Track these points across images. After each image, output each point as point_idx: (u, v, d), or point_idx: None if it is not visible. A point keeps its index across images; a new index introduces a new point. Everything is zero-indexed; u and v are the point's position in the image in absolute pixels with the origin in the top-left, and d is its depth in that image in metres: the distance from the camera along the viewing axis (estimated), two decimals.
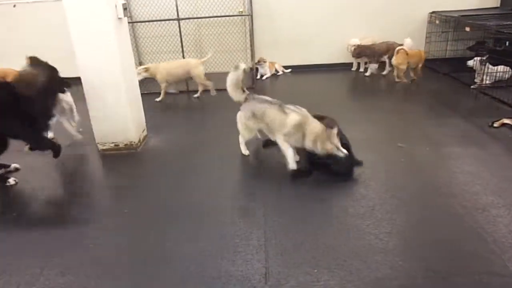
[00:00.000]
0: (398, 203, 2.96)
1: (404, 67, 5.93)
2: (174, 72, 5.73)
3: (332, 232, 2.67)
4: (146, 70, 5.72)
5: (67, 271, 2.41)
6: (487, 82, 5.42)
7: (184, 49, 6.22)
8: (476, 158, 3.59)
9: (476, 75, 5.55)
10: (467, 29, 5.72)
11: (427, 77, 6.46)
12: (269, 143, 3.75)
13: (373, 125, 4.47)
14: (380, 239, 2.54)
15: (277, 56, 7.08)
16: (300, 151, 3.47)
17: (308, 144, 3.27)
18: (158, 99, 5.81)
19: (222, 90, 6.11)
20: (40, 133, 3.52)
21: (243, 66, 3.61)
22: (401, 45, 6.23)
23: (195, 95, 6.01)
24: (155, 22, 6.54)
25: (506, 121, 4.21)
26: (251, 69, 6.79)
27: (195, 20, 6.75)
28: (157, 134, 4.50)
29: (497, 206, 2.84)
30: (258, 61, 6.78)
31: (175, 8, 5.95)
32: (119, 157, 4.00)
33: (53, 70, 3.54)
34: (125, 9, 3.85)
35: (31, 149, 3.68)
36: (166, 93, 5.88)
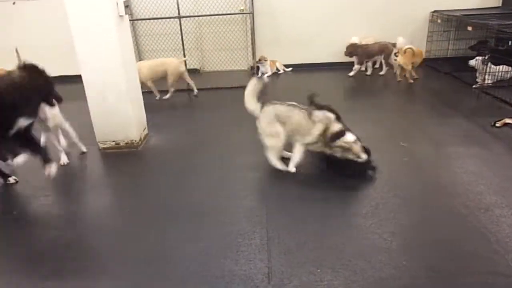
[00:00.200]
0: (401, 202, 2.95)
1: (410, 67, 5.91)
2: (155, 70, 5.59)
3: (335, 231, 2.65)
4: None
5: (65, 271, 2.39)
6: (489, 81, 5.40)
7: (185, 47, 6.18)
8: (479, 157, 3.58)
9: (477, 75, 5.53)
10: (469, 28, 5.70)
11: (428, 76, 6.46)
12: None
13: (375, 124, 4.46)
14: (383, 238, 2.52)
15: (278, 55, 7.06)
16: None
17: (330, 150, 3.26)
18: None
19: (222, 89, 6.20)
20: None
21: (266, 79, 3.53)
22: (394, 45, 6.22)
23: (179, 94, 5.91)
24: (155, 20, 6.51)
25: (508, 120, 4.20)
26: (252, 67, 6.77)
27: (196, 18, 6.73)
28: (158, 132, 4.49)
29: (500, 206, 2.83)
30: (259, 60, 6.76)
31: (176, 6, 5.92)
32: (120, 156, 3.98)
33: (42, 79, 3.06)
34: (126, 6, 3.83)
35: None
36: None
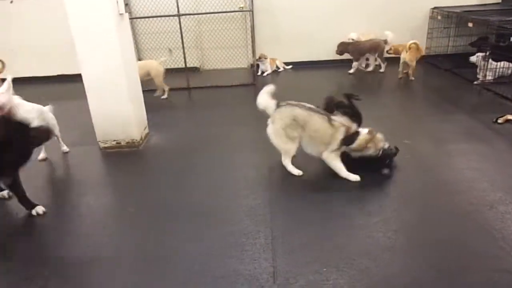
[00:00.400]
0: (405, 200, 2.94)
1: (415, 63, 5.89)
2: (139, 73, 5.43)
3: (340, 230, 2.64)
4: None
5: (68, 273, 2.38)
6: (490, 78, 5.39)
7: (185, 45, 6.15)
8: (482, 154, 3.57)
9: (478, 71, 5.52)
10: (470, 24, 5.69)
11: (429, 73, 6.45)
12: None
13: (376, 121, 4.39)
14: (388, 237, 2.51)
15: (278, 53, 7.04)
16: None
17: (357, 152, 3.22)
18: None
19: (223, 87, 6.18)
20: None
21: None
22: (386, 42, 6.20)
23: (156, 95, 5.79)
24: (155, 18, 6.48)
25: (510, 117, 4.19)
26: (252, 65, 6.75)
27: (196, 16, 6.70)
28: (159, 132, 4.46)
29: (504, 202, 2.82)
30: (259, 58, 6.74)
31: (175, 3, 5.88)
32: (121, 155, 3.96)
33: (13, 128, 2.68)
34: (126, 4, 3.81)
35: None
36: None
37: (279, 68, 7.04)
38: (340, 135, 3.12)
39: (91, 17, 3.58)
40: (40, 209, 2.94)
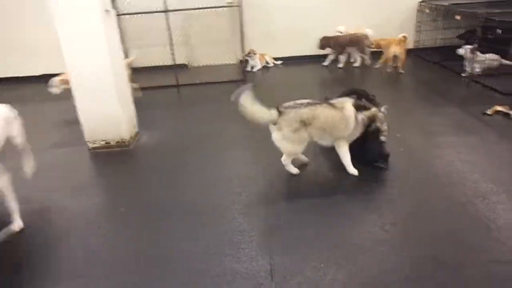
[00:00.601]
0: (400, 193, 2.94)
1: (404, 56, 5.92)
2: None
3: (336, 225, 2.63)
4: (64, 81, 4.87)
5: (64, 276, 2.33)
6: (477, 70, 5.44)
7: (173, 41, 6.06)
8: (473, 146, 3.60)
9: (466, 64, 5.56)
10: (457, 17, 5.72)
11: (417, 66, 6.49)
12: None
13: None
14: (384, 230, 2.51)
15: (267, 48, 7.00)
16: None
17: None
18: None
19: (212, 84, 6.12)
20: None
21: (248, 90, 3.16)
22: (367, 37, 6.22)
23: None
24: (141, 14, 6.36)
25: (499, 108, 4.23)
26: (241, 61, 6.70)
27: (183, 12, 6.59)
28: (149, 130, 4.39)
29: (497, 193, 2.85)
30: (248, 53, 6.69)
31: None
32: (111, 155, 3.89)
33: None
34: (112, 0, 3.72)
35: None
36: None
37: (268, 64, 7.00)
38: (349, 113, 3.06)
39: (77, 14, 3.49)
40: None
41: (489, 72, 5.33)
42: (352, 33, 6.43)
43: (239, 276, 2.20)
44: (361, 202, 2.86)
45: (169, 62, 6.27)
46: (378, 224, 2.58)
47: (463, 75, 5.56)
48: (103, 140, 3.98)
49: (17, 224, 2.75)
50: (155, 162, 3.74)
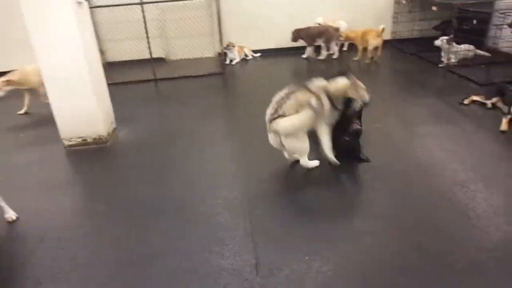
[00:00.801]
0: (382, 184, 2.96)
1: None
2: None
3: (320, 217, 2.63)
4: (9, 82, 4.59)
5: (45, 278, 2.24)
6: (453, 60, 5.53)
7: (149, 35, 5.91)
8: (451, 135, 3.66)
9: (442, 54, 5.65)
10: (434, 8, 5.79)
11: (395, 57, 6.55)
12: None
13: None
14: (369, 221, 2.52)
15: (246, 41, 6.93)
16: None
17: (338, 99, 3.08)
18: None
19: (190, 77, 6.02)
20: None
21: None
22: (337, 29, 6.24)
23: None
24: (116, 7, 6.18)
25: (475, 98, 4.31)
26: (220, 54, 6.61)
27: (159, 4, 6.45)
28: (127, 126, 4.28)
29: (475, 181, 2.90)
30: (227, 46, 6.61)
31: None
32: (88, 153, 3.77)
33: None
34: None
35: None
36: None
37: (247, 56, 6.94)
38: (326, 101, 3.00)
39: (47, 7, 3.34)
40: None
41: (464, 63, 5.43)
42: (321, 24, 6.44)
43: (224, 273, 2.16)
44: (344, 194, 2.86)
45: (145, 55, 6.12)
46: (362, 215, 2.59)
47: (440, 65, 5.65)
48: (79, 137, 3.85)
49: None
50: (134, 158, 3.65)
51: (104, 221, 2.76)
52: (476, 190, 2.79)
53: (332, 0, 6.85)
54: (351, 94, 3.11)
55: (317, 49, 6.60)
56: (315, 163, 3.18)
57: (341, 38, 6.39)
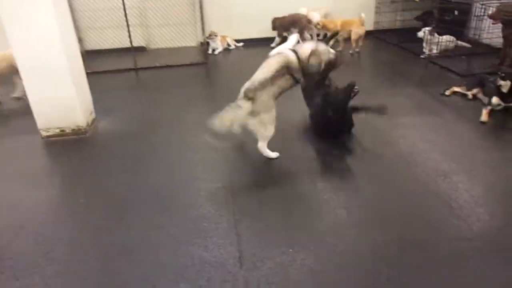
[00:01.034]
0: (365, 174, 2.97)
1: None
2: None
3: (303, 208, 2.61)
4: None
5: (21, 272, 2.16)
6: (435, 51, 5.58)
7: (129, 23, 5.76)
8: (433, 126, 3.69)
9: (424, 45, 5.69)
10: None
11: (377, 48, 6.57)
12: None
13: None
14: (352, 213, 2.52)
15: (228, 30, 6.83)
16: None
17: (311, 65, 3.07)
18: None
19: (172, 67, 5.91)
20: None
21: None
22: (308, 19, 6.23)
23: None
24: None
25: (456, 89, 4.36)
26: (202, 43, 6.51)
27: None
28: (106, 116, 4.17)
29: (457, 172, 2.93)
30: (209, 35, 6.51)
31: None
32: (67, 144, 3.66)
33: None
34: None
35: None
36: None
37: (230, 46, 6.85)
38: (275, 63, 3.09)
39: None
40: None
41: (445, 54, 5.48)
42: (294, 14, 6.40)
43: (207, 265, 2.13)
44: (327, 186, 2.85)
45: (126, 44, 5.97)
46: (344, 206, 2.58)
47: (421, 56, 5.69)
48: (57, 128, 3.73)
49: None
50: (114, 149, 3.56)
51: (83, 213, 2.69)
52: (458, 181, 2.82)
53: None
54: (313, 60, 3.08)
55: None
56: (273, 154, 3.17)
57: (317, 28, 6.34)
